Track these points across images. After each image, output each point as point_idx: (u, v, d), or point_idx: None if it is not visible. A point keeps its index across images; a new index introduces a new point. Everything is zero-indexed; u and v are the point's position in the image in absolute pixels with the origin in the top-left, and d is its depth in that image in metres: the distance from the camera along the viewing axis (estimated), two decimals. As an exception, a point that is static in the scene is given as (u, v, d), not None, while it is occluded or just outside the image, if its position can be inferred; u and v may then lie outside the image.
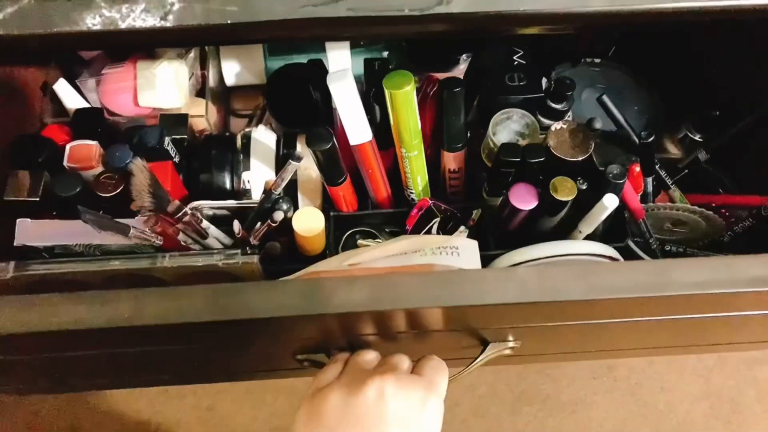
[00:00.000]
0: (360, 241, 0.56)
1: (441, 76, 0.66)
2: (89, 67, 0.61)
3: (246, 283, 0.37)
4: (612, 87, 0.68)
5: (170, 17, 0.41)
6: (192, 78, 0.63)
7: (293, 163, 0.49)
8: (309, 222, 0.50)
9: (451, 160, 0.55)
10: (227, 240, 0.52)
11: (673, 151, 0.63)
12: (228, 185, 0.57)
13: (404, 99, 0.47)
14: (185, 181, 0.57)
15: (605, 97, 0.58)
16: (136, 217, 0.46)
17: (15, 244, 0.45)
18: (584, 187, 0.50)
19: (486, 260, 0.54)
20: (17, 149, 0.52)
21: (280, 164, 0.58)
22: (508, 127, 0.54)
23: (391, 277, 0.35)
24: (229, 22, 0.41)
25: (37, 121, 0.59)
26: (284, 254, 0.52)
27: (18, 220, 0.46)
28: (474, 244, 0.43)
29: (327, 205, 0.58)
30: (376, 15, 0.41)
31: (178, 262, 0.46)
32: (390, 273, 0.41)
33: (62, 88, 0.58)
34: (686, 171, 0.60)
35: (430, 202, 0.54)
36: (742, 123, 0.59)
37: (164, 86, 0.59)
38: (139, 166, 0.45)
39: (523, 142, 0.53)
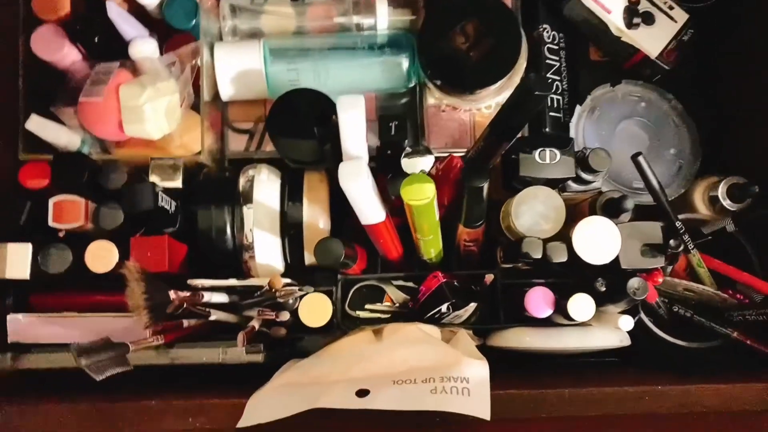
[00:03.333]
0: (368, 306, 0.55)
1: (464, 102, 0.60)
2: (63, 94, 0.53)
3: None
4: (651, 121, 0.62)
5: None
6: (185, 98, 0.56)
7: (309, 293, 0.46)
8: (317, 311, 0.48)
9: (467, 234, 0.51)
10: (232, 315, 0.50)
11: (701, 209, 0.59)
12: (230, 241, 0.53)
13: (424, 209, 0.43)
14: (181, 228, 0.53)
15: (642, 159, 0.53)
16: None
17: (9, 341, 0.44)
18: (603, 289, 0.47)
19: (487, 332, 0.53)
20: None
21: (284, 215, 0.54)
22: (532, 208, 0.49)
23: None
24: None
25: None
26: (288, 333, 0.50)
27: (9, 317, 0.44)
28: (485, 376, 0.42)
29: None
30: None
31: (182, 359, 0.45)
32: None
33: (37, 124, 0.51)
34: (710, 237, 0.57)
35: (443, 280, 0.51)
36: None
37: (153, 119, 0.53)
38: (132, 272, 0.42)
39: (546, 227, 0.49)
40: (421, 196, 0.41)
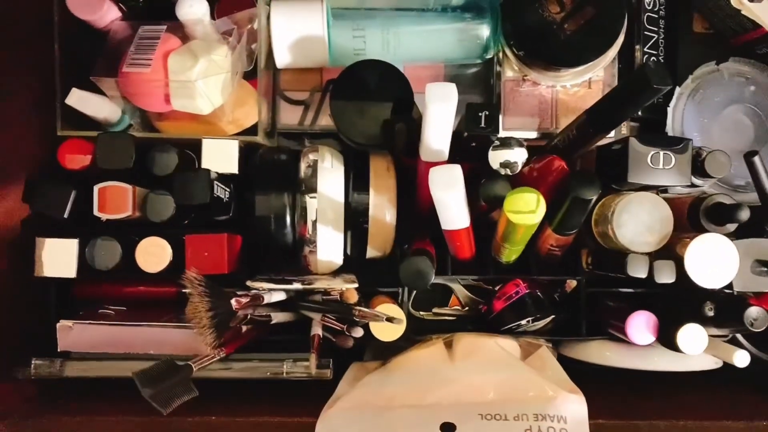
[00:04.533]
0: (435, 310, 0.50)
1: (547, 77, 0.53)
2: (103, 61, 0.47)
3: None
4: (760, 107, 0.55)
5: None
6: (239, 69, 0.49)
7: (385, 321, 0.41)
8: (390, 325, 0.43)
9: (555, 239, 0.46)
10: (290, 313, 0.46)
11: (812, 212, 0.53)
12: (290, 232, 0.48)
13: (528, 228, 0.37)
14: (234, 215, 0.48)
15: (758, 160, 0.46)
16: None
17: (59, 350, 0.40)
18: (711, 314, 0.43)
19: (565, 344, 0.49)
20: (34, 207, 0.42)
21: (349, 207, 0.49)
22: (636, 216, 0.44)
23: None
24: None
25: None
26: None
27: (58, 326, 0.40)
28: (583, 415, 0.38)
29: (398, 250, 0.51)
30: None
31: (245, 373, 0.42)
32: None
33: (78, 99, 0.45)
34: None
35: (525, 291, 0.46)
36: None
37: (204, 95, 0.47)
38: (194, 285, 0.37)
39: (650, 239, 0.44)
40: (528, 210, 0.36)
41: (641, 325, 0.42)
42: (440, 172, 0.37)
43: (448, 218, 0.41)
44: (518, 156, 0.44)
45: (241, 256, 0.49)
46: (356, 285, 0.45)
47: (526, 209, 0.36)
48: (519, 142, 0.43)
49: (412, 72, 0.56)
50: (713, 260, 0.41)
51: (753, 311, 0.40)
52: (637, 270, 0.41)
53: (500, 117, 0.55)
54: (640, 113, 0.55)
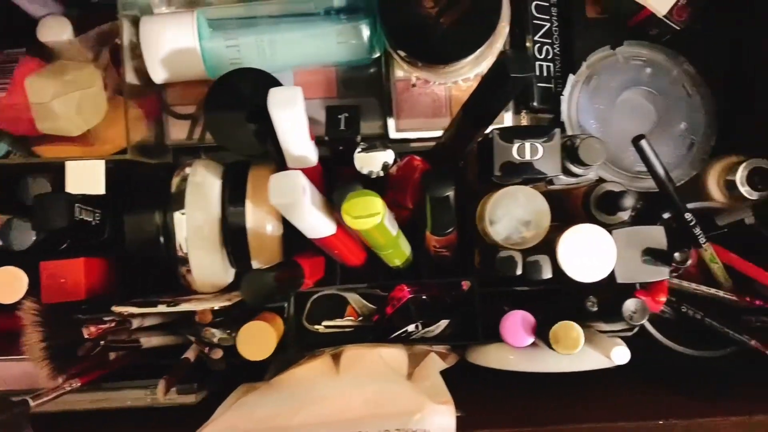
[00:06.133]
0: (326, 323, 0.48)
1: (437, 75, 0.51)
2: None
3: None
4: (659, 89, 0.53)
5: None
6: (107, 85, 0.48)
7: (223, 344, 0.39)
8: (257, 342, 0.41)
9: (436, 240, 0.44)
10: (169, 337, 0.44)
11: (716, 195, 0.51)
12: (163, 253, 0.46)
13: (373, 232, 0.35)
14: (111, 238, 0.47)
15: (645, 143, 0.44)
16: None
17: None
18: (594, 309, 0.40)
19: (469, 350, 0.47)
20: None
21: (226, 218, 0.47)
22: (510, 212, 0.42)
23: None
24: None
25: None
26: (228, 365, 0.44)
27: None
28: (450, 427, 0.36)
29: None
30: None
31: (104, 402, 0.39)
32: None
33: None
34: (725, 230, 0.49)
35: (408, 296, 0.44)
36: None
37: (65, 116, 0.45)
38: (28, 314, 0.35)
39: (527, 235, 0.42)
40: (367, 213, 0.34)
41: (516, 326, 0.40)
42: (277, 180, 0.35)
43: (304, 227, 0.39)
44: (390, 157, 0.42)
45: (115, 280, 0.47)
46: (230, 303, 0.43)
47: (365, 213, 0.34)
48: (384, 144, 0.42)
49: (302, 78, 0.55)
50: (590, 252, 0.39)
51: (630, 304, 0.38)
52: (509, 268, 0.39)
53: (393, 119, 0.53)
54: (535, 104, 0.53)
